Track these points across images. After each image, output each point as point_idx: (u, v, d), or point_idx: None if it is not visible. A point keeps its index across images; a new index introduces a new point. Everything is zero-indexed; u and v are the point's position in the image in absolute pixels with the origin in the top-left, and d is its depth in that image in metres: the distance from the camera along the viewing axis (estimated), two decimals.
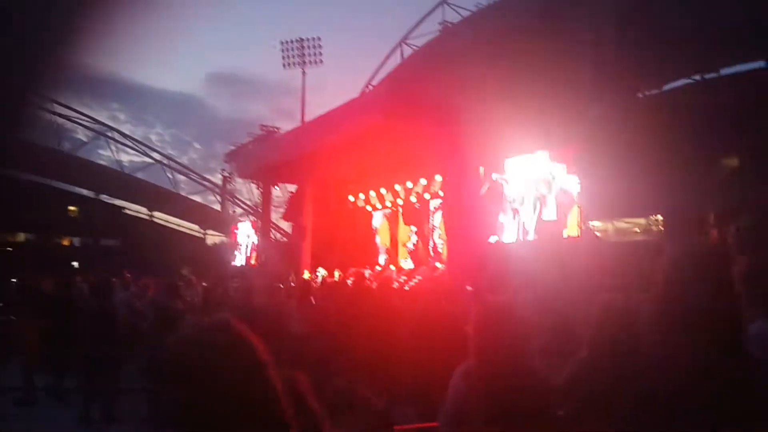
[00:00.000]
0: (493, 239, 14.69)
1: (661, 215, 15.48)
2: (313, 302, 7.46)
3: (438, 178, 17.28)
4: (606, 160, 12.86)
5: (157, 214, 37.51)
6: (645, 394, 1.55)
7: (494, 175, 14.19)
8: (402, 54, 22.07)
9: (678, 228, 13.64)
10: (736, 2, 12.73)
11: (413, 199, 19.05)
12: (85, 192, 37.33)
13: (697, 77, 15.49)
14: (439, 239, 17.79)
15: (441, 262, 16.97)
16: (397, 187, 19.47)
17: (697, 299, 1.53)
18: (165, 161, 34.82)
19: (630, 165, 13.06)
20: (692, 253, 1.65)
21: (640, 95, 16.44)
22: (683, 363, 1.52)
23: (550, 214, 13.34)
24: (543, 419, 1.81)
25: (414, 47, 21.48)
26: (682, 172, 13.73)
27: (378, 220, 21.35)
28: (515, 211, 14.22)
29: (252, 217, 29.15)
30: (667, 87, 16.03)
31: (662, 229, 15.49)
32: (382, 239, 21.12)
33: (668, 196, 13.80)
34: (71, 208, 37.72)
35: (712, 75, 15.13)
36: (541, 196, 13.59)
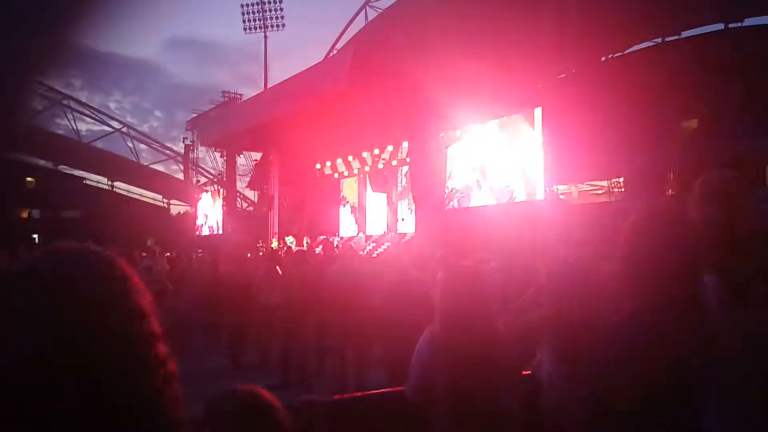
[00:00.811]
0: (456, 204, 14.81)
1: (623, 177, 15.79)
2: (280, 272, 7.42)
3: (405, 144, 17.23)
4: (569, 124, 12.99)
5: (118, 184, 36.57)
6: (608, 344, 1.61)
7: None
8: (366, 17, 21.67)
9: (639, 189, 13.93)
10: None
11: (380, 166, 18.99)
12: (43, 163, 36.07)
13: (659, 40, 15.65)
14: (406, 206, 17.84)
15: (409, 228, 17.07)
16: (365, 154, 19.37)
17: (656, 258, 1.59)
18: (125, 129, 33.82)
19: (592, 128, 13.22)
20: (652, 216, 1.69)
21: (603, 58, 16.54)
22: (642, 317, 1.58)
23: (512, 178, 13.50)
24: (505, 383, 1.85)
25: (378, 10, 21.10)
26: (643, 134, 13.96)
27: (346, 187, 21.27)
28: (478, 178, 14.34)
29: (216, 187, 28.69)
30: (629, 50, 16.16)
31: (623, 191, 15.81)
32: (349, 207, 21.09)
33: (630, 158, 14.05)
34: (29, 179, 36.44)
35: (674, 38, 15.30)
36: (503, 160, 13.71)
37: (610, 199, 16.07)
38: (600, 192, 16.90)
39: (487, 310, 1.97)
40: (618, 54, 16.38)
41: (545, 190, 12.97)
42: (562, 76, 16.18)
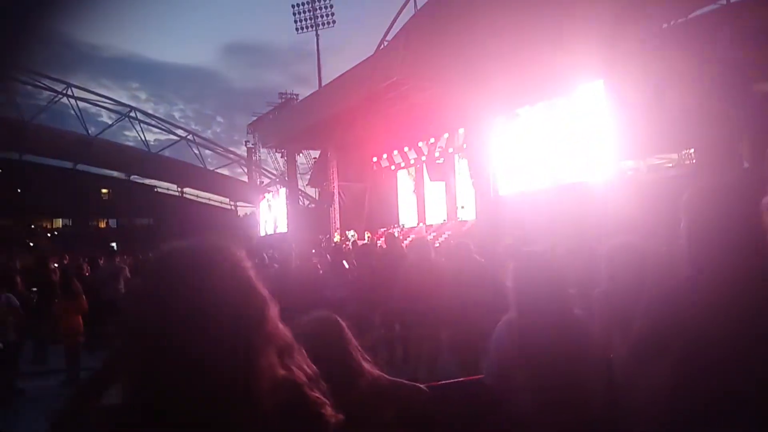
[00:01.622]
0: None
1: (694, 148, 15.05)
2: (346, 266, 7.52)
3: (461, 131, 17.06)
4: (633, 97, 12.49)
5: (187, 190, 38.10)
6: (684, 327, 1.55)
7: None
8: (416, 5, 21.51)
9: (712, 160, 13.26)
10: None
11: (437, 154, 18.90)
12: (116, 174, 38.04)
13: (723, 2, 14.77)
14: (466, 193, 17.69)
15: (470, 215, 16.91)
16: (420, 143, 19.32)
17: (724, 231, 1.52)
18: (190, 137, 35.09)
19: (659, 100, 12.66)
20: (716, 188, 1.62)
21: (665, 25, 15.77)
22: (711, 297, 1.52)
23: (573, 159, 13.11)
24: (586, 368, 1.82)
25: None
26: (712, 102, 13.26)
27: (404, 178, 21.31)
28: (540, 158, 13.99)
29: (278, 186, 29.37)
30: (692, 15, 15.32)
31: (694, 162, 15.08)
32: (408, 197, 21.11)
33: (699, 128, 13.37)
34: (104, 190, 38.56)
35: None
36: (563, 141, 13.33)
37: (680, 173, 15.35)
38: (670, 165, 16.17)
39: (562, 295, 1.94)
40: (681, 20, 15.58)
41: (612, 167, 12.55)
42: (623, 46, 15.57)
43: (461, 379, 2.10)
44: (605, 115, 12.26)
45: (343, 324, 1.81)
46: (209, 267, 0.91)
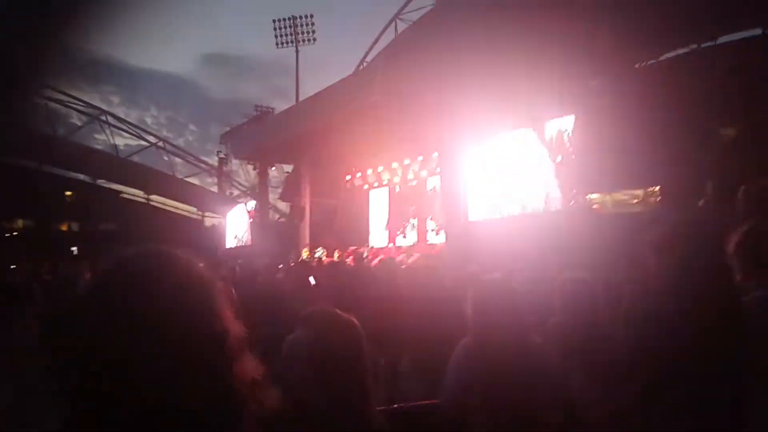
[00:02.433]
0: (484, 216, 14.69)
1: (659, 186, 15.45)
2: (312, 283, 7.48)
3: (435, 155, 17.22)
4: (603, 132, 12.82)
5: (154, 197, 37.45)
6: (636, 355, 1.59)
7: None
8: (396, 29, 21.82)
9: (676, 198, 13.62)
10: None
11: (410, 176, 19.01)
12: (81, 177, 37.20)
13: (694, 46, 15.34)
14: (435, 217, 17.80)
15: (439, 239, 17.01)
16: (394, 164, 19.43)
17: (691, 273, 1.57)
18: (161, 144, 34.62)
19: (627, 136, 13.01)
20: (685, 225, 1.68)
21: (637, 66, 16.29)
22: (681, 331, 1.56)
23: (542, 188, 13.35)
24: (543, 394, 1.84)
25: (408, 22, 21.23)
26: (679, 142, 13.67)
27: (376, 198, 21.34)
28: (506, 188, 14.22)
29: (249, 199, 29.13)
30: (664, 57, 15.88)
31: (659, 199, 15.48)
32: (380, 218, 21.14)
33: (666, 166, 13.76)
34: (68, 193, 37.62)
35: (710, 44, 14.99)
36: (533, 170, 13.58)
37: (645, 209, 15.73)
38: (635, 201, 16.57)
39: (520, 323, 1.97)
40: (652, 61, 16.12)
41: (576, 199, 12.80)
42: (595, 83, 16.00)
43: (417, 403, 2.10)
44: (574, 148, 12.53)
45: (362, 331, 1.62)
46: (164, 274, 0.88)
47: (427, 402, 2.22)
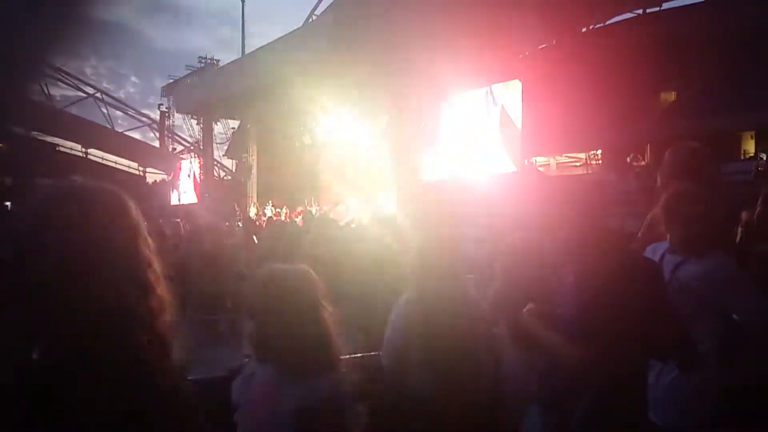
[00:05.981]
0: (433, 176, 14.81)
1: (601, 149, 15.90)
2: (256, 241, 7.42)
3: (385, 114, 17.13)
4: (549, 96, 13.01)
5: (92, 151, 35.80)
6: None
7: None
8: None
9: (616, 162, 14.05)
10: None
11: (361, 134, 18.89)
12: (14, 128, 35.12)
13: (640, 12, 15.65)
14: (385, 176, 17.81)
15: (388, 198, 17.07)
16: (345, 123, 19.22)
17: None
18: (99, 95, 32.95)
19: (572, 100, 13.26)
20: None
21: (584, 29, 16.51)
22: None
23: (491, 149, 13.52)
24: (478, 346, 1.91)
25: None
26: (622, 107, 14.03)
27: (324, 156, 21.12)
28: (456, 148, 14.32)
29: (193, 155, 28.29)
30: (610, 21, 16.14)
31: (600, 163, 15.96)
32: (329, 176, 20.98)
33: (608, 131, 14.13)
34: (0, 145, 35.53)
35: (655, 9, 15.31)
36: (482, 132, 13.70)
37: (587, 172, 16.20)
38: (578, 164, 17.04)
39: (458, 279, 2.04)
40: (599, 25, 16.36)
41: (523, 162, 13.03)
42: (543, 46, 16.11)
43: (357, 354, 2.15)
44: (520, 113, 12.58)
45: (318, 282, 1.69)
46: (96, 206, 0.87)
47: (367, 353, 2.28)
